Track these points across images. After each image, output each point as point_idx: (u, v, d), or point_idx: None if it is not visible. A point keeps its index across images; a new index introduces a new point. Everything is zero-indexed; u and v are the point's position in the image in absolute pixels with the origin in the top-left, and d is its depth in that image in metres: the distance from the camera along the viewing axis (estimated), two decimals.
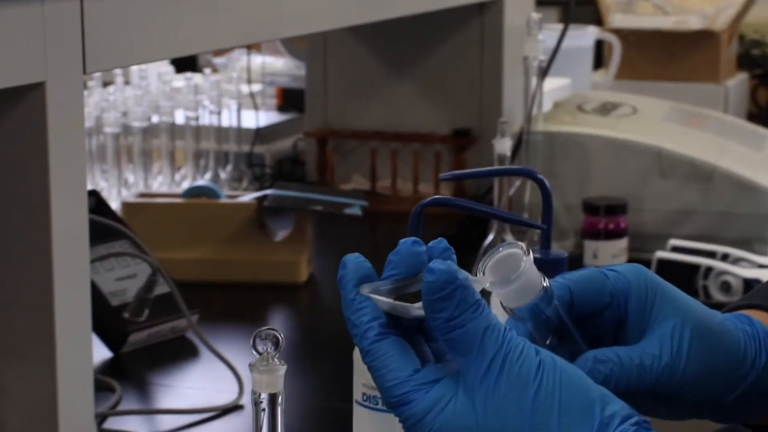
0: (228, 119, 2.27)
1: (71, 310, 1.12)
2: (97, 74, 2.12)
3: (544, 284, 0.69)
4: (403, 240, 0.68)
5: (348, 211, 1.73)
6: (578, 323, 0.73)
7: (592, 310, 0.74)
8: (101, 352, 1.46)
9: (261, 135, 2.39)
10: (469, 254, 1.74)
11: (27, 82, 1.06)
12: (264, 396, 0.70)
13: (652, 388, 0.71)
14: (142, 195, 1.85)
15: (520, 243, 0.69)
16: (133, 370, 1.44)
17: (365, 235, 2.09)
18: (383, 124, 2.31)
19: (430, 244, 0.69)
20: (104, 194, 1.96)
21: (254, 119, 2.40)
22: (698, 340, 0.72)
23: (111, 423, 1.26)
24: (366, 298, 0.66)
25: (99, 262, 1.49)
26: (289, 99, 2.62)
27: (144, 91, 2.09)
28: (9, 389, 1.13)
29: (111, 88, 2.08)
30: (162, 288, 1.48)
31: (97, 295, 1.47)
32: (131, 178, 2.05)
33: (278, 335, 0.69)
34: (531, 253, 0.70)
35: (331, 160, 2.35)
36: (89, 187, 1.88)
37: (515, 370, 0.63)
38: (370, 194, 2.20)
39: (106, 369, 1.43)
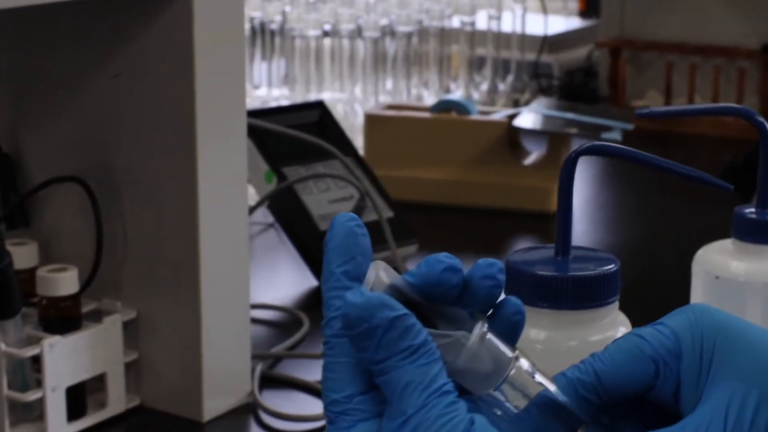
0: (511, 25, 2.09)
1: (219, 243, 1.00)
2: None
3: (518, 363, 0.50)
4: (439, 258, 0.51)
5: (606, 135, 1.53)
6: (629, 405, 0.53)
7: (637, 387, 0.53)
8: (308, 282, 1.35)
9: (550, 43, 2.20)
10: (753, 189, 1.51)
11: None
12: None
13: None
14: (390, 107, 1.71)
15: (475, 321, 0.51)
16: None
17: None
18: (684, 35, 2.07)
19: (481, 260, 0.52)
20: (357, 104, 1.84)
21: (542, 25, 2.20)
22: None
23: (284, 366, 1.13)
24: (344, 278, 0.50)
25: (314, 183, 1.37)
26: (593, 4, 2.41)
27: None
28: (156, 326, 1.03)
29: None
30: (375, 215, 1.34)
31: (306, 218, 1.35)
32: (391, 86, 1.92)
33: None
34: (483, 327, 0.51)
35: (623, 73, 2.13)
36: (343, 95, 1.77)
37: None
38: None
39: (305, 301, 1.31)
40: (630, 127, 1.58)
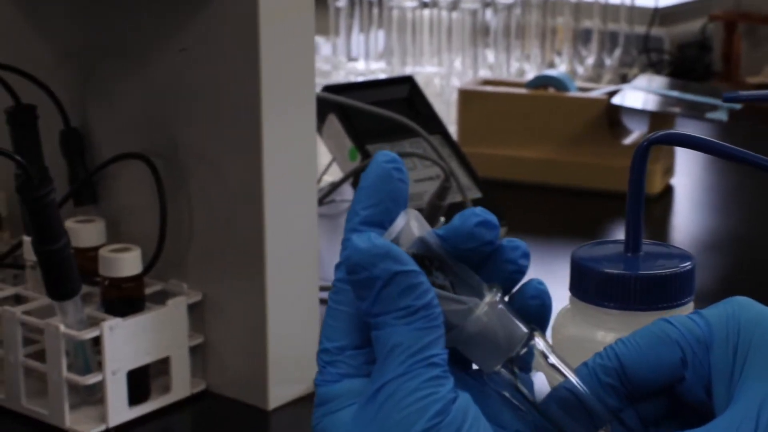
0: None
1: (287, 223, 0.96)
2: None
3: (532, 342, 0.46)
4: (475, 211, 0.47)
5: (711, 115, 1.45)
6: (662, 404, 0.48)
7: (664, 375, 0.48)
8: None
9: (661, 15, 2.12)
10: None
11: None
12: None
13: None
14: (485, 82, 1.66)
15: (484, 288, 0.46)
16: None
17: (745, 143, 1.79)
18: None
19: (505, 241, 0.48)
20: (455, 78, 1.79)
21: None
22: None
23: None
24: (366, 221, 0.46)
25: None
26: None
27: None
28: (222, 309, 0.99)
29: None
30: (460, 196, 1.29)
31: None
32: (493, 60, 1.86)
33: None
34: (495, 296, 0.46)
35: (738, 48, 2.05)
36: (436, 69, 1.72)
37: (402, 412, 0.43)
38: None
39: None
40: (737, 106, 1.50)
